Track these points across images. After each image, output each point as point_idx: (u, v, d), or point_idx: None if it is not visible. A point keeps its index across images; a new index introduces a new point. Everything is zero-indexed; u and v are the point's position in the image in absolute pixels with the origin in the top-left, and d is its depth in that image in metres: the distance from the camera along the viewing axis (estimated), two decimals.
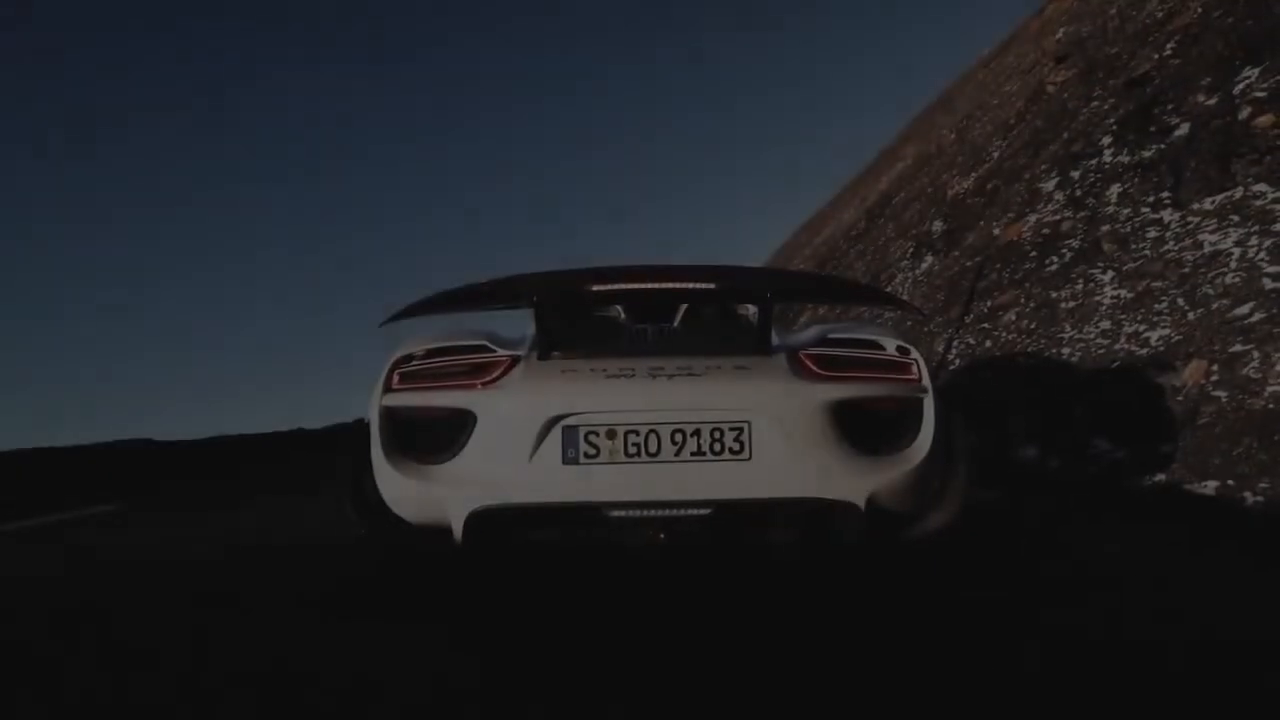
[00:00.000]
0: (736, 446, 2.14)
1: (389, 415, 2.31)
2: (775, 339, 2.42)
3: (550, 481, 2.14)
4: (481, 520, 2.14)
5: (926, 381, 2.34)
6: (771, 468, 2.14)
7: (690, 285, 2.37)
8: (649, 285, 2.33)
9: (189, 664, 1.86)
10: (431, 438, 2.28)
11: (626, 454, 2.13)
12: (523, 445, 2.15)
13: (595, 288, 2.34)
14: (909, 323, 10.70)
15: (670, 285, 2.36)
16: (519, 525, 2.18)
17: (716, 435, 2.14)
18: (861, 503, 2.15)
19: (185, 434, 9.18)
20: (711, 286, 2.36)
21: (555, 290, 2.39)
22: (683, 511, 2.13)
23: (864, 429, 2.25)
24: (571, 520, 2.21)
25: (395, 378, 2.33)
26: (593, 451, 2.14)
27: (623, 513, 2.14)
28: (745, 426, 2.15)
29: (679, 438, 2.14)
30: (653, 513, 2.14)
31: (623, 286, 2.36)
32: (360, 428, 2.43)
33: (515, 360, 2.29)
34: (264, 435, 10.78)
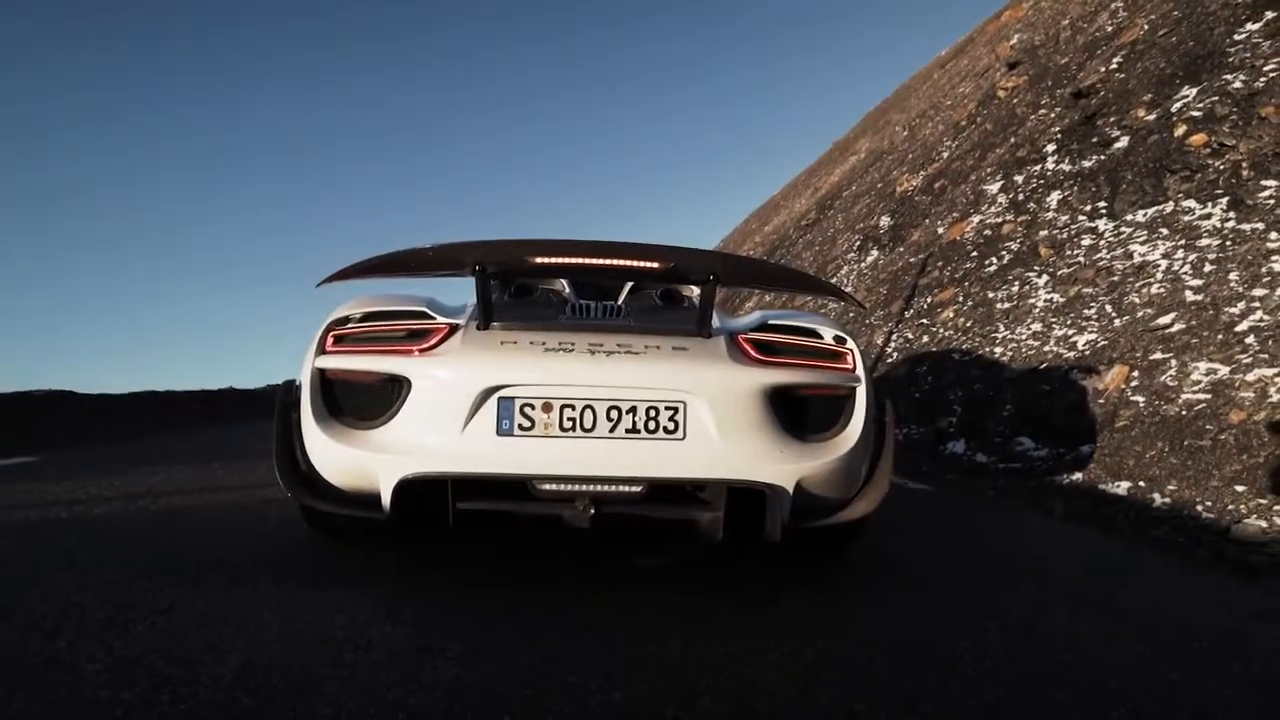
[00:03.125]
0: (671, 426, 2.14)
1: (321, 377, 2.25)
2: (716, 322, 2.40)
3: (482, 452, 2.10)
4: (411, 488, 2.08)
5: (861, 372, 2.36)
6: (704, 448, 2.14)
7: (635, 263, 2.35)
8: (594, 261, 2.29)
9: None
10: (364, 402, 2.23)
11: (561, 428, 2.11)
12: (456, 414, 2.11)
13: (540, 260, 2.28)
14: (850, 314, 10.88)
15: (615, 262, 2.34)
16: (449, 494, 2.11)
17: (652, 414, 2.14)
18: (790, 487, 2.17)
19: (111, 389, 8.76)
20: (656, 266, 2.32)
21: (498, 259, 2.30)
22: (614, 488, 2.12)
23: (797, 414, 2.28)
24: (502, 492, 2.18)
25: (329, 339, 2.26)
26: (527, 424, 2.11)
27: (554, 486, 2.12)
28: (680, 406, 2.15)
29: (614, 414, 2.12)
30: (584, 488, 2.12)
31: (568, 260, 2.30)
32: (291, 389, 2.35)
33: (454, 328, 2.24)
34: (193, 393, 10.38)
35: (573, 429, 2.12)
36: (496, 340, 2.21)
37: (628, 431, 2.13)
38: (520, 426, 2.11)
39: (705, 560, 2.60)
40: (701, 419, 2.15)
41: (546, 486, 2.13)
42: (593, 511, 2.14)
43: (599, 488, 2.13)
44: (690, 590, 2.29)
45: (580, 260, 2.29)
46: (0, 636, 1.72)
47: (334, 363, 2.23)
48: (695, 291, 3.07)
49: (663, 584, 2.35)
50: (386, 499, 2.11)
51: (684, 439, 2.14)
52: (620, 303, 2.93)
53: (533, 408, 2.12)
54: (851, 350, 2.36)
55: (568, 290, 3.05)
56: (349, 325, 2.27)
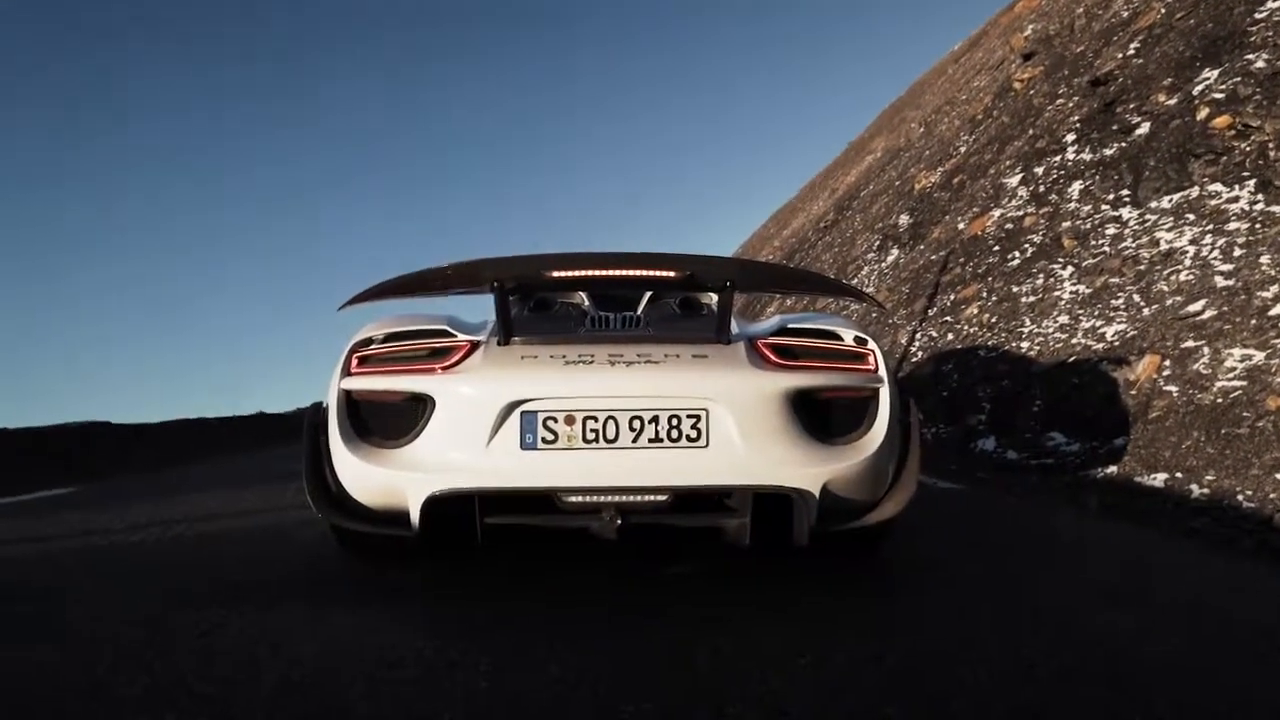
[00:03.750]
0: (694, 434, 2.13)
1: (347, 399, 2.27)
2: (735, 328, 2.39)
3: (507, 467, 2.10)
4: (438, 506, 2.09)
5: (883, 372, 2.32)
6: (728, 455, 2.12)
7: (652, 273, 2.36)
8: (611, 272, 2.30)
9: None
10: (389, 422, 2.24)
11: (585, 440, 2.11)
12: (480, 430, 2.11)
13: (557, 274, 2.31)
14: (872, 315, 10.80)
15: (632, 273, 2.34)
16: (476, 510, 2.11)
17: (674, 422, 2.12)
18: (817, 491, 2.14)
19: (145, 418, 8.93)
20: (673, 274, 2.33)
21: (517, 275, 2.33)
22: (639, 498, 2.11)
23: (820, 417, 2.25)
24: (528, 506, 2.18)
25: (354, 361, 2.28)
26: (551, 437, 2.11)
27: (580, 498, 2.11)
28: (703, 414, 2.13)
29: (637, 424, 2.11)
30: (610, 499, 2.11)
31: (585, 273, 2.32)
32: (318, 412, 2.36)
33: (475, 345, 2.25)
34: (225, 419, 10.55)
35: (596, 440, 2.11)
36: (517, 355, 2.21)
37: (651, 441, 2.11)
38: (544, 440, 2.11)
39: (732, 566, 2.58)
40: (724, 426, 2.13)
41: (572, 499, 2.11)
42: (619, 522, 2.13)
43: (624, 498, 2.11)
44: (717, 596, 2.28)
45: (597, 272, 2.30)
46: (41, 662, 1.76)
47: (359, 384, 2.25)
48: (714, 299, 3.08)
49: (690, 591, 2.34)
50: (415, 517, 2.12)
51: (707, 446, 2.12)
52: (639, 313, 2.93)
53: (555, 421, 2.11)
54: (873, 351, 2.33)
55: (586, 303, 3.08)
56: (372, 346, 2.29)
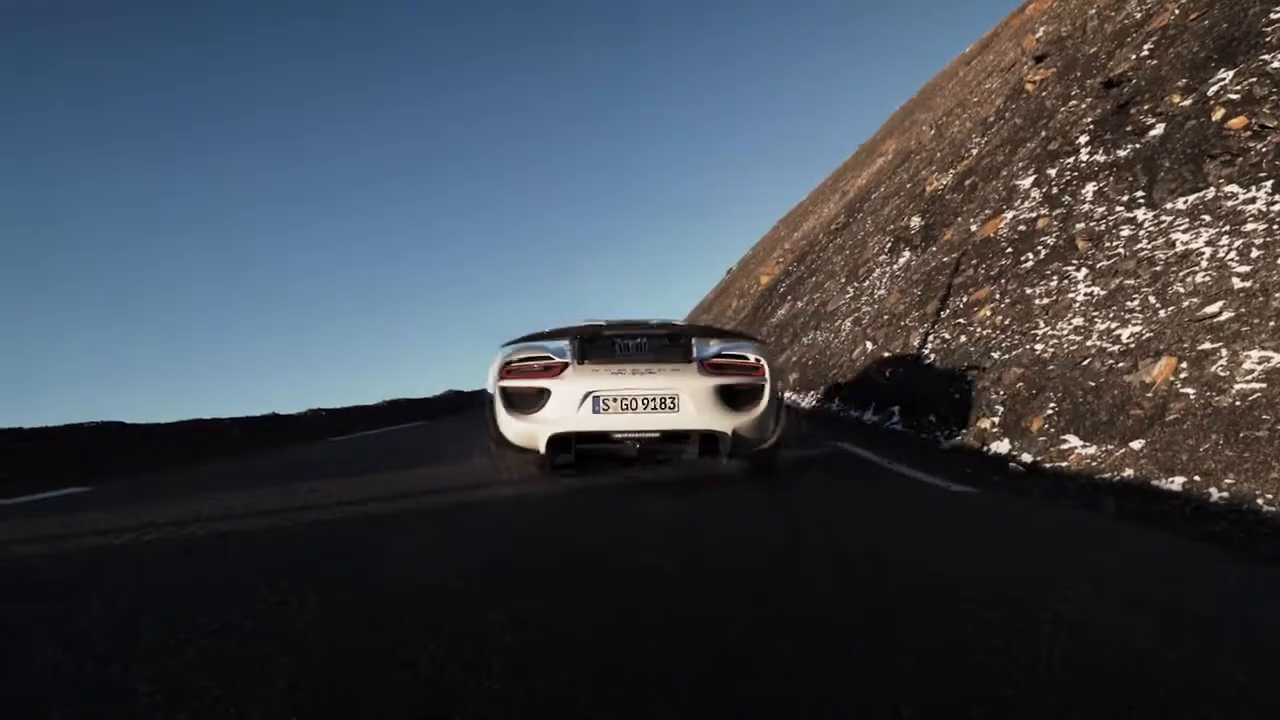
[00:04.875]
0: (672, 406, 4.31)
1: (503, 390, 4.47)
2: (695, 352, 4.50)
3: (587, 421, 4.29)
4: (555, 440, 4.33)
5: (768, 375, 4.49)
6: (688, 416, 4.30)
7: (651, 331, 4.64)
8: (630, 330, 4.62)
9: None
10: (527, 401, 4.41)
11: (621, 409, 4.30)
12: (573, 405, 4.29)
13: (605, 332, 4.59)
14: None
15: (640, 331, 4.63)
16: (572, 442, 4.35)
17: (662, 401, 4.31)
18: (730, 432, 4.32)
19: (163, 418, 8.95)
20: (662, 331, 4.65)
21: (586, 331, 4.58)
22: (647, 434, 4.33)
23: (733, 398, 4.40)
24: (596, 439, 4.37)
25: (504, 371, 4.49)
26: (605, 408, 4.30)
27: (620, 435, 4.33)
28: (676, 397, 4.31)
29: (645, 402, 4.31)
30: (633, 434, 4.33)
31: (618, 332, 4.60)
32: (489, 398, 4.57)
33: (566, 364, 4.41)
34: (236, 419, 10.58)
35: (626, 410, 4.30)
36: (589, 369, 4.39)
37: (652, 409, 4.30)
38: (603, 408, 4.29)
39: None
40: (686, 402, 4.30)
41: (616, 435, 4.33)
42: (637, 446, 4.38)
43: (639, 435, 4.33)
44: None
45: (624, 331, 4.60)
46: (56, 661, 1.76)
47: (508, 383, 4.48)
48: (680, 339, 4.70)
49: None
50: (542, 447, 4.34)
51: (678, 412, 4.30)
52: (645, 347, 4.63)
53: (608, 400, 4.30)
54: (763, 364, 4.51)
55: (618, 342, 4.69)
56: (511, 364, 4.50)
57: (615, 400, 4.24)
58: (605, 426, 4.23)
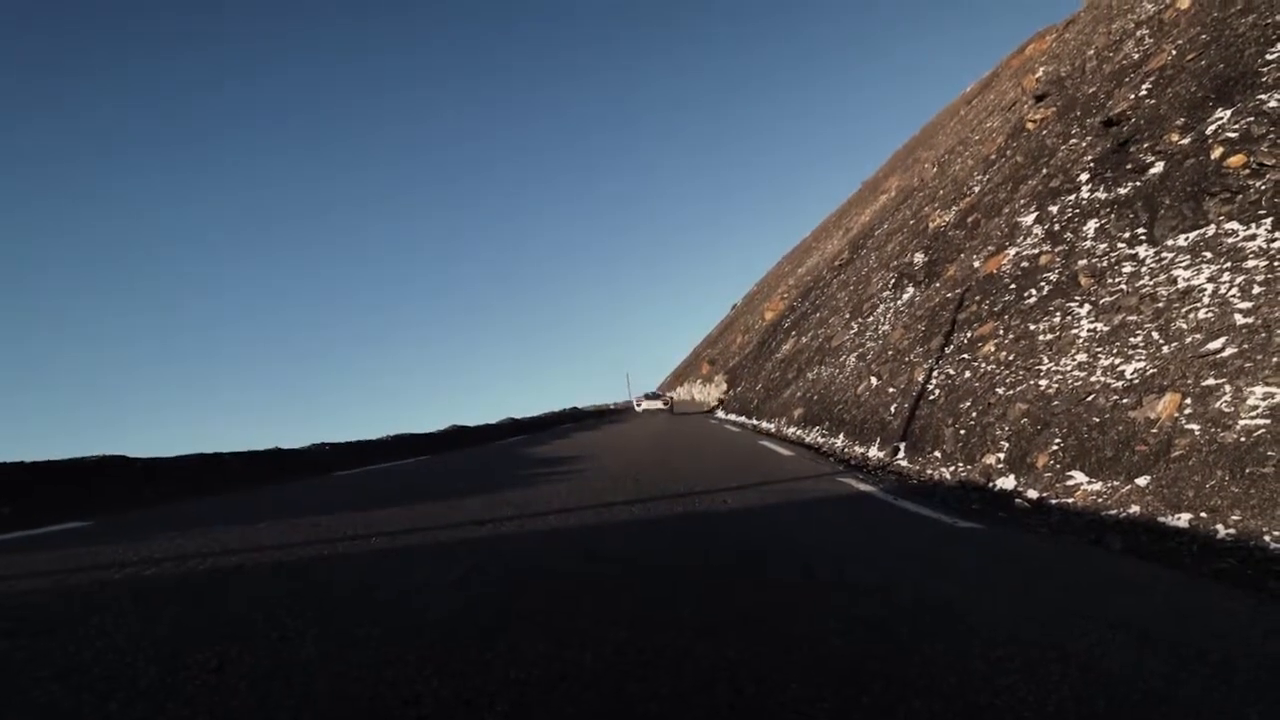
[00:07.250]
0: (665, 407, 42.31)
1: (639, 404, 43.64)
2: (664, 396, 45.99)
3: (639, 408, 43.04)
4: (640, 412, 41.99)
5: (671, 399, 45.22)
6: (663, 406, 42.88)
7: (652, 392, 47.14)
8: (650, 394, 46.00)
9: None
10: (638, 404, 44.09)
11: (649, 411, 40.62)
12: (639, 407, 43.62)
13: (643, 395, 45.63)
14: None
15: (653, 392, 47.01)
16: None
17: (657, 407, 42.39)
18: (670, 409, 41.60)
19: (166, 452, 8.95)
20: (656, 393, 46.78)
21: (640, 395, 45.92)
22: (655, 410, 41.51)
23: (665, 403, 43.93)
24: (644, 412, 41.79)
25: (640, 400, 43.83)
26: (641, 409, 42.51)
27: (647, 411, 42.03)
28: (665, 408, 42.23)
29: (654, 408, 42.25)
30: (654, 411, 40.54)
31: (646, 393, 46.09)
32: (627, 406, 53.29)
33: (641, 399, 44.35)
34: (238, 454, 10.58)
35: (650, 411, 40.44)
36: (643, 405, 43.27)
37: (657, 410, 40.89)
38: (644, 411, 41.59)
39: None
40: (661, 405, 42.92)
41: (647, 410, 41.74)
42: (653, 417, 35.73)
43: (655, 410, 41.54)
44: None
45: (646, 393, 46.21)
46: (55, 698, 1.75)
47: (641, 405, 43.40)
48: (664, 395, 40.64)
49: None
50: (640, 409, 43.05)
51: (666, 407, 42.19)
52: (652, 395, 45.07)
53: (643, 408, 42.87)
54: (671, 400, 44.87)
55: (645, 395, 45.04)
56: (641, 397, 44.42)
57: (643, 408, 41.66)
58: (644, 409, 40.72)
